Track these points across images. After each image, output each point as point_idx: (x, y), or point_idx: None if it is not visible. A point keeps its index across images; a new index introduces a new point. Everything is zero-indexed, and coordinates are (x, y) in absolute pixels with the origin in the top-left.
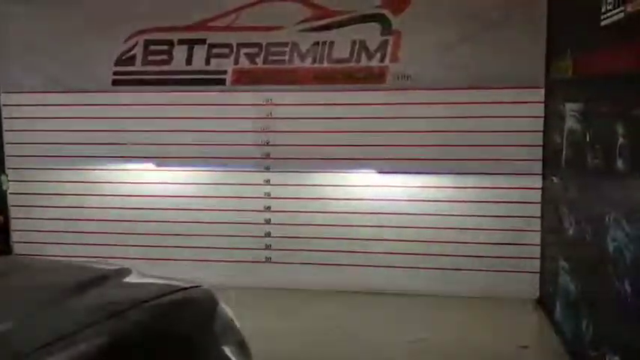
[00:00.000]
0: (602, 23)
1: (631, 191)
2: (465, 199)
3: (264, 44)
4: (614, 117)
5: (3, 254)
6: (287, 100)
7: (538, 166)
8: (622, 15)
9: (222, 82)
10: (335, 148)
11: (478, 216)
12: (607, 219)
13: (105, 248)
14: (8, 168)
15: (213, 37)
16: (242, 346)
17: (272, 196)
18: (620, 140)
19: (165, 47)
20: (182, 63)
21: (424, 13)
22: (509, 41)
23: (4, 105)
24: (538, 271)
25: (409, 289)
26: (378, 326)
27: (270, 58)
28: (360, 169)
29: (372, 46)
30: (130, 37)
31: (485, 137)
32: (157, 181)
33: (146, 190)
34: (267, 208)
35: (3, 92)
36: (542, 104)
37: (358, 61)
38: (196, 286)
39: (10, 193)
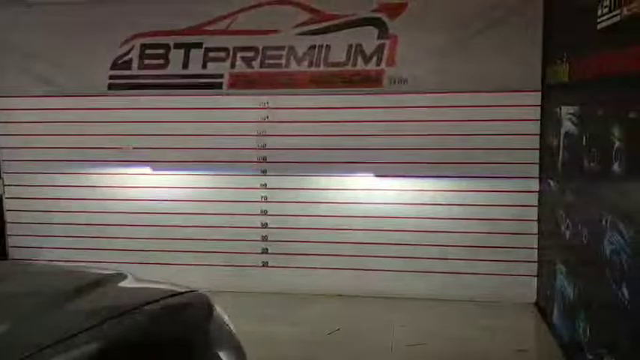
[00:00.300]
0: (599, 26)
1: (627, 194)
2: (461, 203)
3: (260, 48)
4: (611, 120)
5: None
6: (284, 103)
7: (535, 170)
8: (618, 18)
9: (218, 85)
10: (332, 152)
11: (475, 219)
12: (604, 222)
13: (101, 253)
14: (4, 172)
15: (209, 41)
16: (238, 351)
17: (269, 199)
18: (617, 143)
19: (161, 51)
20: (178, 67)
21: (420, 17)
22: (505, 45)
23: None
24: (535, 274)
25: (407, 292)
26: (377, 330)
27: (267, 61)
28: (357, 173)
29: (369, 49)
30: (126, 41)
31: (482, 141)
32: (153, 185)
33: (142, 194)
34: (264, 212)
35: None
36: (539, 107)
37: (355, 64)
38: (192, 291)
39: (6, 198)
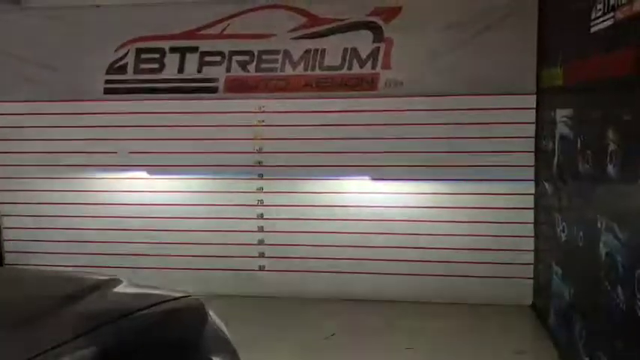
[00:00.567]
0: (592, 30)
1: (622, 196)
2: (457, 206)
3: (256, 52)
4: (605, 123)
5: None
6: (279, 107)
7: (530, 172)
8: (611, 22)
9: (214, 90)
10: (328, 155)
11: (471, 222)
12: (599, 225)
13: (98, 257)
14: None
15: (205, 45)
16: (233, 356)
17: (265, 204)
18: (611, 146)
19: (156, 55)
20: (174, 71)
21: (415, 20)
22: (500, 48)
23: None
24: (532, 277)
25: (403, 296)
26: (373, 333)
27: (263, 65)
28: (353, 176)
29: (364, 53)
30: (121, 46)
31: (478, 144)
32: (149, 190)
33: (138, 198)
34: (260, 216)
35: None
36: (534, 110)
37: (350, 68)
38: (186, 296)
39: (1, 203)
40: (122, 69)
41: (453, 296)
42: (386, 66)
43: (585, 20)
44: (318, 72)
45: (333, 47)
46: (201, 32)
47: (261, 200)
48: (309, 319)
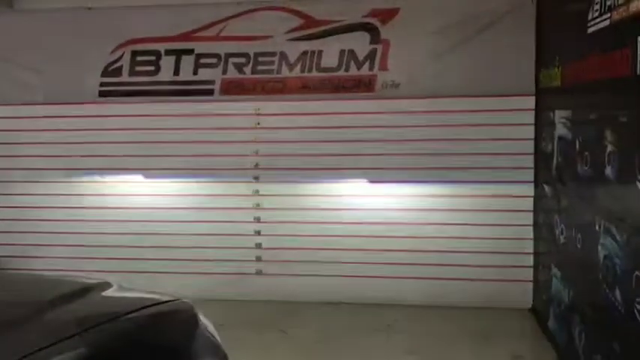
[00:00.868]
0: (589, 31)
1: (620, 198)
2: (456, 208)
3: (252, 54)
4: (603, 124)
5: None
6: (276, 109)
7: (530, 174)
8: (608, 22)
9: (210, 92)
10: (325, 158)
11: (470, 225)
12: (597, 226)
13: (93, 262)
14: None
15: (200, 47)
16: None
17: (262, 207)
18: (609, 147)
19: (152, 58)
20: (170, 73)
21: (412, 21)
22: (498, 49)
23: None
24: (531, 279)
25: (401, 299)
26: (371, 337)
27: (259, 67)
28: (350, 179)
29: (361, 55)
30: (117, 48)
31: (477, 145)
32: (146, 193)
33: (134, 202)
34: (257, 219)
35: None
36: (533, 112)
37: (347, 70)
38: (176, 299)
39: None
40: (117, 71)
41: (452, 299)
42: (383, 68)
43: (582, 21)
44: (315, 74)
45: (330, 49)
46: (197, 34)
47: (258, 203)
48: (306, 323)
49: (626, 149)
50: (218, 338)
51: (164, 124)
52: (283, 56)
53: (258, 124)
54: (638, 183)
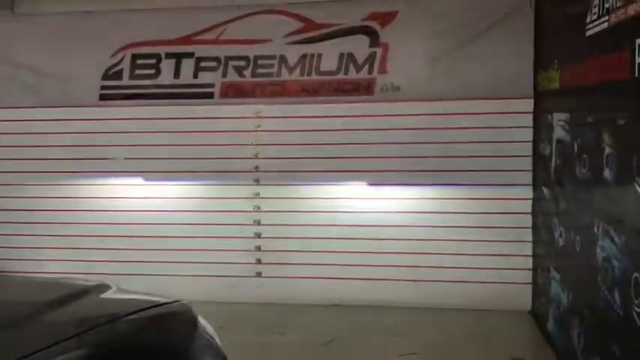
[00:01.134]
0: (588, 33)
1: (618, 200)
2: (455, 211)
3: (252, 57)
4: (601, 127)
5: None
6: (275, 112)
7: (528, 177)
8: (606, 25)
9: (210, 95)
10: (324, 161)
11: (469, 227)
12: (596, 229)
13: (92, 264)
14: None
15: (200, 51)
16: None
17: (262, 209)
18: (607, 150)
19: (152, 61)
20: (170, 77)
21: (411, 24)
22: (497, 52)
23: None
24: (530, 282)
25: (400, 302)
26: (370, 340)
27: (259, 70)
28: (350, 182)
29: (360, 58)
30: (117, 52)
31: (476, 148)
32: (145, 196)
33: (134, 205)
34: (257, 222)
35: None
36: (531, 114)
37: (346, 73)
38: (175, 301)
39: None
40: (118, 75)
41: (451, 302)
42: (382, 71)
43: (581, 24)
44: (314, 77)
45: (329, 52)
46: (197, 38)
47: (258, 206)
48: (306, 325)
49: (624, 151)
50: (217, 340)
51: (164, 127)
52: (283, 59)
53: (258, 127)
54: (636, 185)
